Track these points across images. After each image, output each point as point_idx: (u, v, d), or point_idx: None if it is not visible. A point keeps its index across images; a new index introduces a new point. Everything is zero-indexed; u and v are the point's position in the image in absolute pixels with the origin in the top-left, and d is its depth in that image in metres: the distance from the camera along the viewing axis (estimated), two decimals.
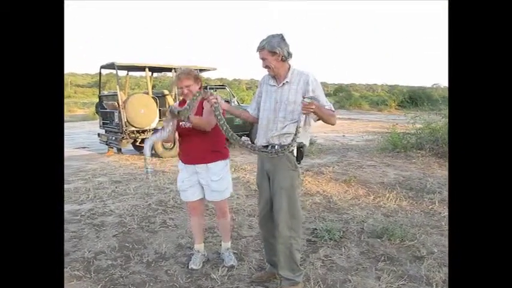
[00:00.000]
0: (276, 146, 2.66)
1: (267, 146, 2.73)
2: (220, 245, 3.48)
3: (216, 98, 2.71)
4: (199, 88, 3.00)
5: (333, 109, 2.70)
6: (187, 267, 3.19)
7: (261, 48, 2.64)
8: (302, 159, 2.73)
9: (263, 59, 2.66)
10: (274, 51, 2.60)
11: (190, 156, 3.10)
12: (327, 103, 2.65)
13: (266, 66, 2.68)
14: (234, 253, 3.45)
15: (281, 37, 2.63)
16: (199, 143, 3.01)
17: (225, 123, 2.69)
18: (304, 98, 2.48)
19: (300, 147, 2.69)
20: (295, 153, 2.68)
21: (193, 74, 3.02)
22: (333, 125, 2.74)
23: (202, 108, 3.01)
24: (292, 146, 2.55)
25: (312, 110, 2.46)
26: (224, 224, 3.32)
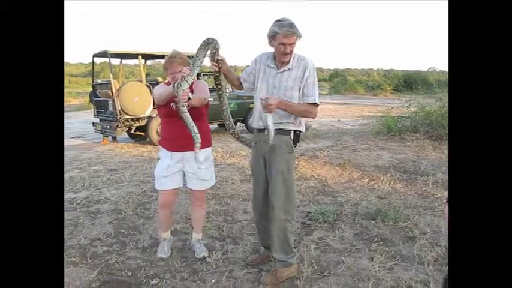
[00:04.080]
0: (253, 142, 2.70)
1: (263, 130, 2.74)
2: (218, 229, 3.51)
3: (223, 60, 2.66)
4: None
5: (316, 101, 2.64)
6: (157, 255, 3.15)
7: (294, 33, 2.53)
8: (298, 142, 2.76)
9: (292, 43, 2.56)
10: (301, 37, 2.57)
11: (178, 143, 2.92)
12: (311, 95, 2.63)
13: (290, 52, 2.59)
14: (229, 237, 3.48)
15: None
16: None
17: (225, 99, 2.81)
18: (261, 99, 2.49)
19: (297, 131, 2.71)
20: (292, 136, 2.69)
21: (185, 59, 2.90)
22: (312, 118, 2.75)
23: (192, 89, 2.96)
24: (267, 145, 2.58)
25: (272, 109, 2.47)
26: (200, 214, 3.22)
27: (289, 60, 2.64)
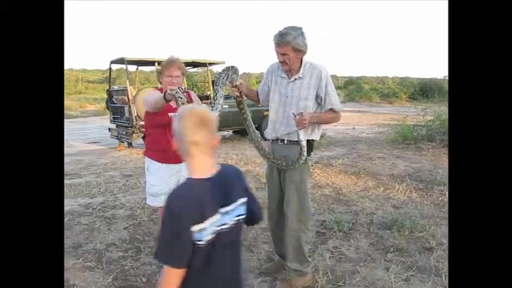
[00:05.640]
0: (286, 162, 2.67)
1: (276, 140, 2.75)
2: None
3: (242, 84, 2.69)
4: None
5: (339, 107, 2.72)
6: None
7: (284, 43, 2.49)
8: (312, 151, 2.74)
9: (284, 54, 2.52)
10: (299, 49, 2.51)
11: (175, 154, 2.75)
12: (335, 101, 2.67)
13: (283, 62, 2.57)
14: (244, 245, 3.48)
15: (302, 31, 2.52)
16: None
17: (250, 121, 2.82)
18: (294, 115, 2.49)
19: (310, 141, 2.70)
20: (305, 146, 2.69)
21: (184, 67, 2.86)
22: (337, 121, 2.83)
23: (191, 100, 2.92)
24: (301, 160, 2.59)
25: (306, 124, 2.49)
26: None
27: (300, 68, 2.63)
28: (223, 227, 1.39)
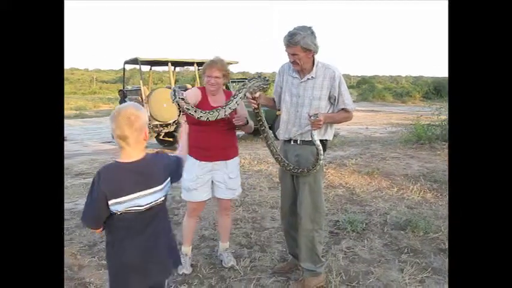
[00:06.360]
0: (306, 168, 2.65)
1: (289, 141, 2.75)
2: (246, 236, 3.48)
3: (260, 96, 2.69)
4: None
5: (352, 107, 2.71)
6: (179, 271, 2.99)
7: (293, 44, 2.49)
8: (325, 151, 2.72)
9: (294, 54, 2.53)
10: (309, 48, 2.50)
11: (210, 153, 2.86)
12: (348, 101, 2.67)
13: (294, 62, 2.57)
14: (257, 245, 3.49)
15: (312, 31, 2.52)
16: (221, 138, 2.84)
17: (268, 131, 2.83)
18: (309, 115, 2.48)
19: (323, 141, 2.69)
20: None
21: (226, 68, 2.87)
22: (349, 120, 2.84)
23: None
24: (319, 163, 2.58)
25: (321, 125, 2.50)
26: (227, 223, 3.18)
27: (312, 68, 2.62)
28: (139, 208, 1.69)
